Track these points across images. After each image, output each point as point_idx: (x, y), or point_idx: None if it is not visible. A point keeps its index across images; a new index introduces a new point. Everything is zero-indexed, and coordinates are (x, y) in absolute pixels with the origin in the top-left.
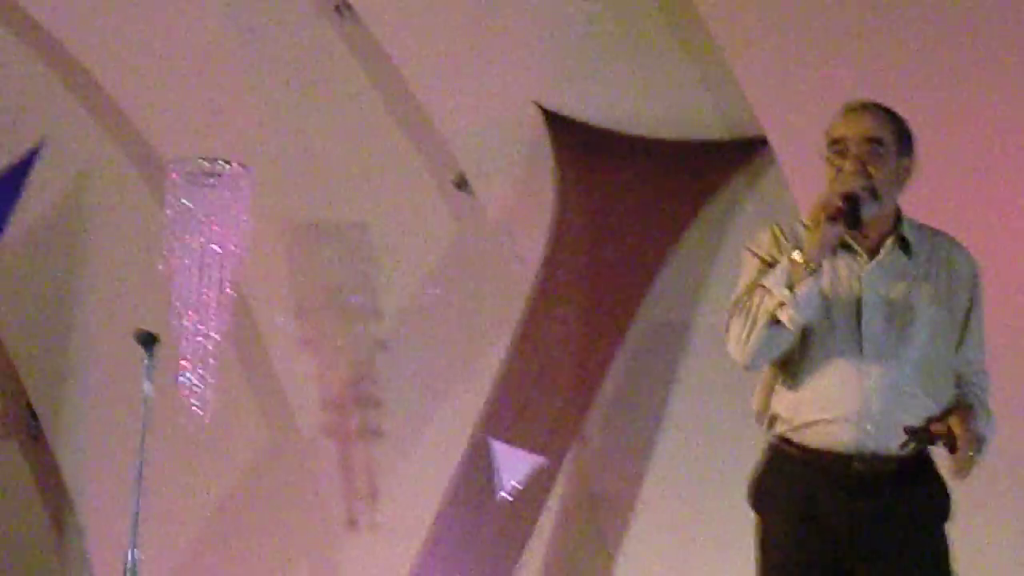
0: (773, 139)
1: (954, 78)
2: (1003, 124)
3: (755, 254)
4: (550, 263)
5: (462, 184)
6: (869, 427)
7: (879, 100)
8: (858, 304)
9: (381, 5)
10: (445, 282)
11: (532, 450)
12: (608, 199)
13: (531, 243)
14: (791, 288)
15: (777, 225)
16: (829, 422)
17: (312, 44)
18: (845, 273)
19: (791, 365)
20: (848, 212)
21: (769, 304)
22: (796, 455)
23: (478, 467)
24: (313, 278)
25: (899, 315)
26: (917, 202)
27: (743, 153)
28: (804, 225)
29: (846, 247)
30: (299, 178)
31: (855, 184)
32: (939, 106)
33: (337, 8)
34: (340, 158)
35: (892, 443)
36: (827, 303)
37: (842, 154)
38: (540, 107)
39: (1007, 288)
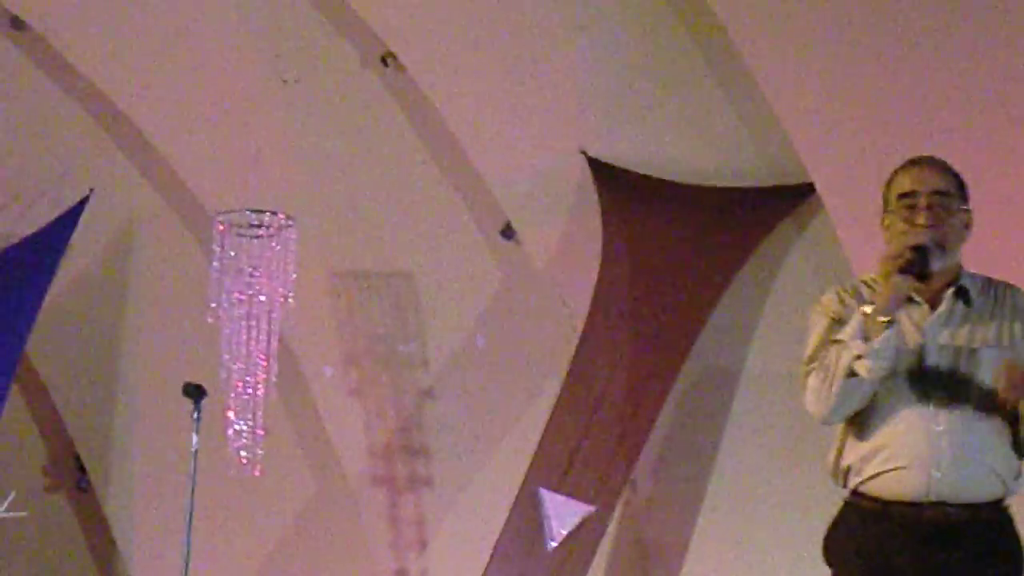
0: (820, 185)
1: (1001, 124)
2: None
3: (823, 314)
4: (597, 311)
5: (509, 233)
6: (937, 473)
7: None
8: (921, 353)
9: (426, 55)
10: (492, 331)
11: (582, 499)
12: (655, 247)
13: (578, 291)
14: (867, 340)
15: (841, 287)
16: (898, 470)
17: (358, 94)
18: (908, 324)
19: (860, 417)
20: (918, 264)
21: (847, 358)
22: (868, 507)
23: (528, 516)
24: (360, 328)
25: (963, 361)
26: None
27: (790, 200)
28: (866, 283)
29: (908, 299)
30: (345, 228)
31: (925, 237)
32: (984, 152)
33: (383, 59)
34: (386, 208)
35: (963, 490)
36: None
37: (912, 207)
38: (586, 155)
39: None
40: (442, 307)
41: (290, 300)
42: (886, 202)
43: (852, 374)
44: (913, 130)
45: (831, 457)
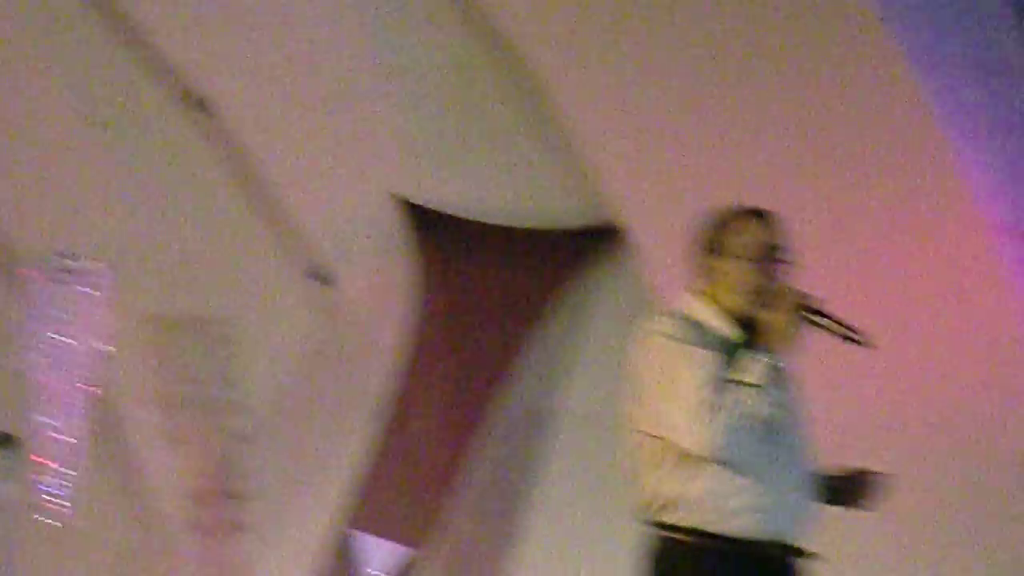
0: (628, 227)
1: (809, 166)
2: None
3: (688, 344)
4: (411, 353)
5: (322, 277)
6: (793, 514)
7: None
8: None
9: (240, 99)
10: (307, 375)
11: (397, 540)
12: (467, 288)
13: (392, 333)
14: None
15: (667, 316)
16: (754, 511)
17: (173, 139)
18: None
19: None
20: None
21: (757, 401)
22: (711, 545)
23: (343, 559)
24: (177, 373)
25: (792, 407)
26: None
27: (600, 240)
28: (686, 317)
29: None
30: (160, 273)
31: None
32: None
33: (199, 103)
34: (201, 253)
35: (802, 531)
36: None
37: (764, 259)
38: (397, 198)
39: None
40: (258, 351)
41: (106, 346)
42: (724, 246)
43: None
44: (719, 174)
45: (657, 491)
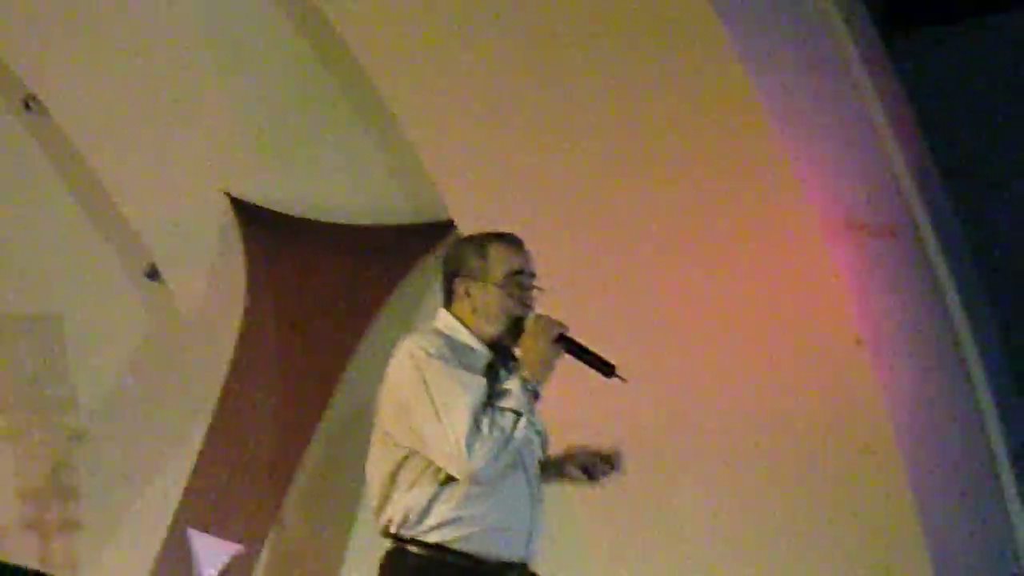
0: (459, 222)
1: (643, 165)
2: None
3: (452, 365)
4: (243, 351)
5: (153, 274)
6: (531, 538)
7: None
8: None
9: (68, 97)
10: (140, 372)
11: (231, 538)
12: (299, 286)
13: (225, 331)
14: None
15: (422, 337)
16: (502, 531)
17: (1, 137)
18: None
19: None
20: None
21: (525, 431)
22: (454, 562)
23: (178, 557)
24: (8, 371)
25: (538, 438)
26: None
27: (431, 237)
28: (444, 333)
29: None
30: None
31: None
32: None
33: (25, 102)
34: (31, 250)
35: (536, 554)
36: None
37: (522, 286)
38: (229, 196)
39: None
40: (90, 349)
41: None
42: (481, 271)
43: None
44: (551, 170)
45: (407, 506)
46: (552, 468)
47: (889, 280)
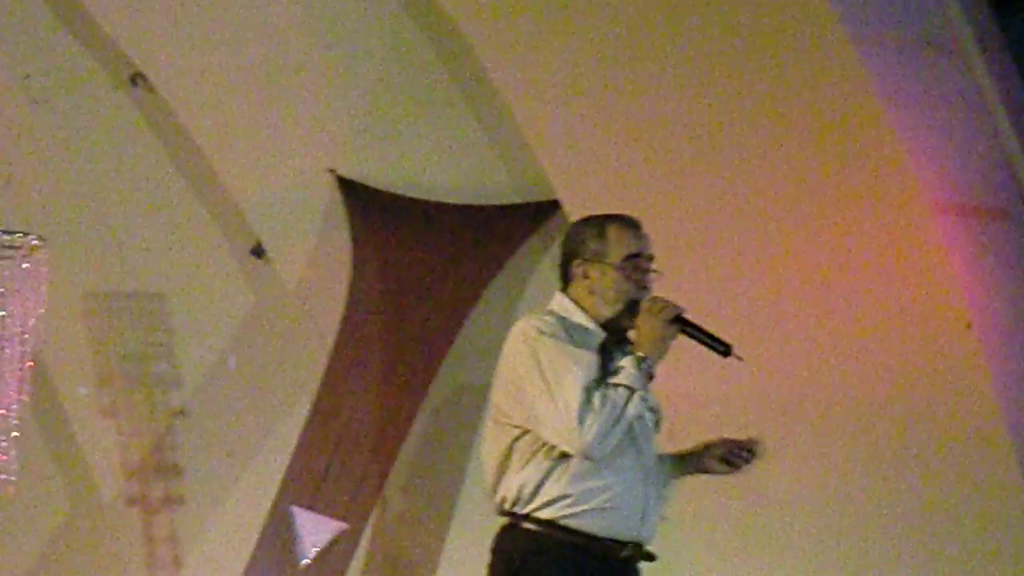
0: (565, 202)
1: (754, 144)
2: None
3: (567, 343)
4: (347, 329)
5: (259, 252)
6: (644, 517)
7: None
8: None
9: (176, 75)
10: (245, 350)
11: (334, 515)
12: (404, 265)
13: (329, 309)
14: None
15: (540, 319)
16: (616, 510)
17: (107, 114)
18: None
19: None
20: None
21: (638, 408)
22: (568, 540)
23: (280, 533)
24: (112, 348)
25: (650, 416)
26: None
27: (536, 216)
28: (562, 317)
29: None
30: (96, 248)
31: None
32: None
33: (132, 79)
34: (137, 228)
35: (652, 532)
36: None
37: (639, 269)
38: (335, 174)
39: None
40: (194, 326)
41: (41, 321)
42: (600, 253)
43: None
44: (655, 149)
45: (521, 484)
46: (691, 462)
47: (1000, 264)
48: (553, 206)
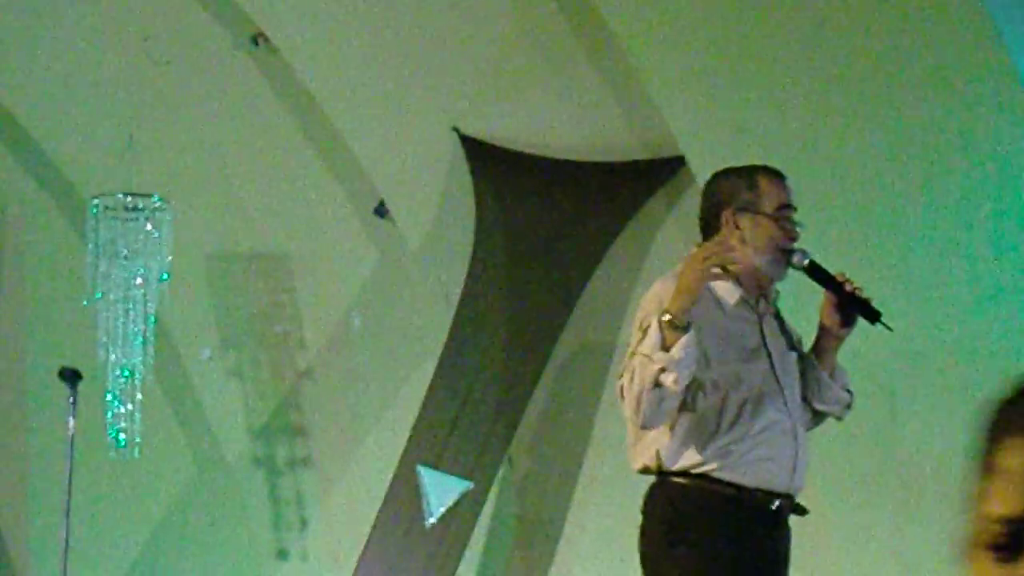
0: (690, 158)
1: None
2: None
3: (653, 312)
4: (472, 288)
5: (383, 212)
6: (795, 467)
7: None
8: (768, 354)
9: (297, 35)
10: (368, 310)
11: (460, 474)
12: (528, 223)
13: (453, 268)
14: (667, 350)
15: (673, 275)
16: (766, 461)
17: (229, 75)
18: (745, 325)
19: (712, 409)
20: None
21: (651, 371)
22: (720, 491)
23: (406, 493)
24: (236, 309)
25: (789, 365)
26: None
27: (661, 173)
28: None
29: (744, 300)
30: (219, 210)
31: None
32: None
33: (253, 39)
34: (259, 188)
35: (802, 483)
36: (739, 353)
37: (789, 220)
38: (458, 132)
39: None
40: (318, 287)
41: (166, 283)
42: (752, 203)
43: (658, 384)
44: (781, 104)
45: (652, 442)
46: (818, 350)
47: None
48: (678, 162)
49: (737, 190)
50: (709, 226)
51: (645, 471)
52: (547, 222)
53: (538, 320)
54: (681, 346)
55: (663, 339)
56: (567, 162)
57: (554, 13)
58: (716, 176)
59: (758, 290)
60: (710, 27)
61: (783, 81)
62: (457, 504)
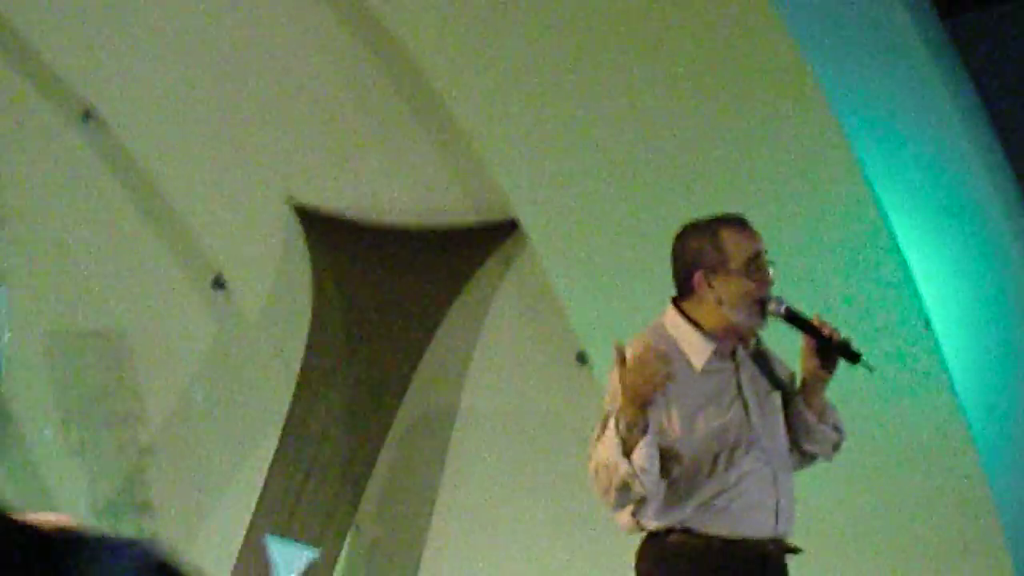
0: (524, 221)
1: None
2: None
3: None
4: (312, 357)
5: (220, 284)
6: (779, 513)
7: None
8: (744, 403)
9: (128, 110)
10: (210, 383)
11: (308, 543)
12: (365, 291)
13: (292, 339)
14: (627, 454)
15: (647, 337)
16: (749, 510)
17: (61, 152)
18: (720, 378)
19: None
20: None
21: (616, 477)
22: (704, 545)
23: (255, 564)
24: (76, 386)
25: (768, 407)
26: None
27: (495, 237)
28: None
29: (717, 353)
30: (56, 287)
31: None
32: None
33: (84, 115)
34: (96, 264)
35: (789, 526)
36: (715, 411)
37: (761, 268)
38: (292, 202)
39: None
40: (158, 362)
41: (5, 363)
42: (720, 262)
43: (626, 486)
44: (616, 162)
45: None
46: (802, 398)
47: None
48: (511, 226)
49: (703, 251)
50: (683, 287)
51: (630, 532)
52: (384, 290)
53: (379, 387)
54: (643, 455)
55: (623, 444)
56: (401, 229)
57: (385, 82)
58: (681, 236)
59: (736, 340)
60: (540, 90)
61: (614, 141)
62: (306, 573)
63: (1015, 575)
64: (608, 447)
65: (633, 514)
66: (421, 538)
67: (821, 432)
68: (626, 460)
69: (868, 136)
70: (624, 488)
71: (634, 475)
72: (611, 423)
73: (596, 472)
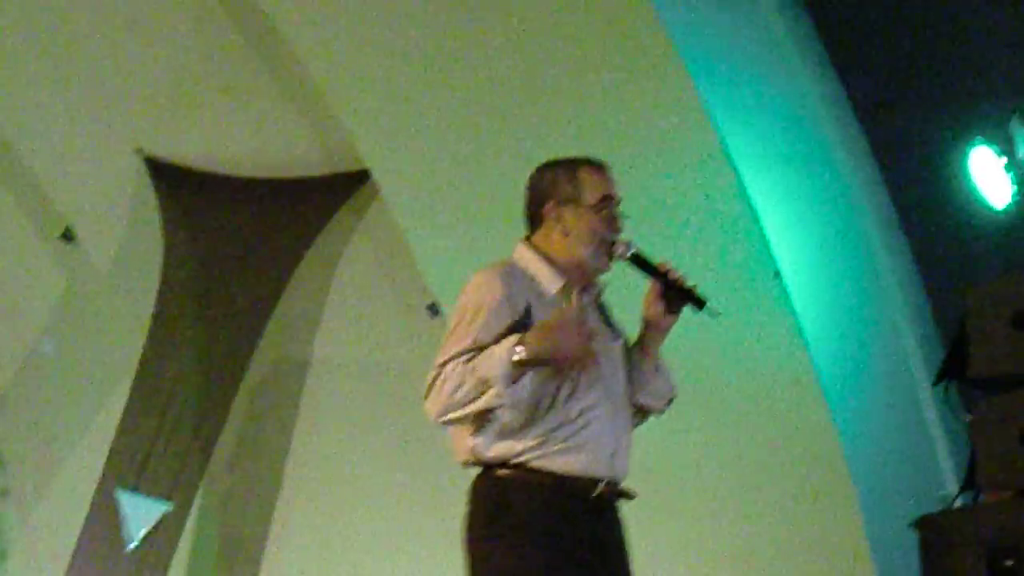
0: (376, 172)
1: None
2: None
3: (487, 307)
4: (163, 309)
5: (69, 236)
6: (616, 453)
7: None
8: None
9: None
10: (60, 335)
11: (159, 496)
12: (216, 242)
13: (143, 290)
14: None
15: (502, 267)
16: (584, 447)
17: None
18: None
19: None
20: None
21: (485, 398)
22: (538, 481)
23: (106, 517)
24: None
25: (613, 353)
26: None
27: (347, 187)
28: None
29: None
30: None
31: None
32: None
33: None
34: None
35: (625, 469)
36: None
37: (612, 212)
38: (142, 154)
39: None
40: (7, 314)
41: None
42: (573, 196)
43: (490, 410)
44: (468, 114)
45: (468, 436)
46: (644, 341)
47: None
48: (363, 176)
49: (559, 182)
50: (534, 219)
51: (466, 464)
52: (236, 241)
53: (231, 338)
54: (524, 385)
55: (510, 375)
56: (253, 180)
57: (233, 30)
58: (540, 169)
59: (582, 281)
60: (391, 40)
61: (465, 92)
62: (157, 526)
63: (863, 523)
64: (495, 363)
65: (473, 435)
66: (275, 490)
67: (655, 385)
68: (509, 388)
69: (717, 86)
70: (483, 407)
71: (505, 406)
72: (509, 342)
73: (456, 386)
